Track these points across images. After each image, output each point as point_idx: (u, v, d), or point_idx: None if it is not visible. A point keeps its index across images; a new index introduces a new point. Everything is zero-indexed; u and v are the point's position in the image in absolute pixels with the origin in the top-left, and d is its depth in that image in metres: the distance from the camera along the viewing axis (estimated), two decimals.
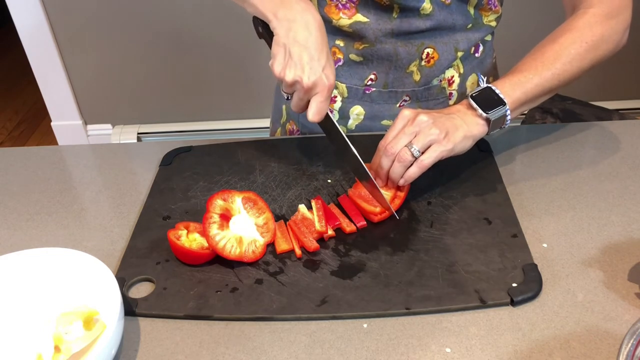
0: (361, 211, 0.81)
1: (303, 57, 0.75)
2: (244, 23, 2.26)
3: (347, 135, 0.82)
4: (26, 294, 0.70)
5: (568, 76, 0.83)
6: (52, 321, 0.66)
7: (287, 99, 0.81)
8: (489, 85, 0.82)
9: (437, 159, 0.78)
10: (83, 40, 2.32)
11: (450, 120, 0.79)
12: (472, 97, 0.81)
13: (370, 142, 0.97)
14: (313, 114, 0.77)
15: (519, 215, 0.80)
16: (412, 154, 0.77)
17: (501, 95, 0.80)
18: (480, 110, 0.80)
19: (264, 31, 0.81)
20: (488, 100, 0.81)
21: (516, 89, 0.81)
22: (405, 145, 0.78)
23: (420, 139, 0.77)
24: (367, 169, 0.81)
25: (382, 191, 0.81)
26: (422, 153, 0.78)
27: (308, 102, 0.78)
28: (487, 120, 0.80)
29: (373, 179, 0.80)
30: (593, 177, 0.87)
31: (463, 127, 0.79)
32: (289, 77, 0.76)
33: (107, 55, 2.35)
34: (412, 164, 0.78)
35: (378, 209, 0.80)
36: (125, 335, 0.67)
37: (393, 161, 0.79)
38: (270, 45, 0.79)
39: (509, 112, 0.81)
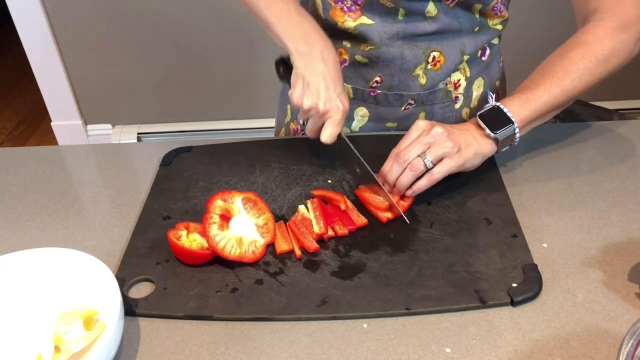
0: (370, 210, 0.81)
1: (320, 86, 0.82)
2: (244, 23, 2.27)
3: (350, 137, 0.84)
4: (26, 294, 0.70)
5: (577, 91, 0.83)
6: (52, 321, 0.66)
7: (303, 124, 0.87)
8: (498, 104, 0.82)
9: (447, 173, 0.79)
10: (83, 40, 2.32)
11: (463, 136, 0.80)
12: (480, 116, 0.82)
13: (373, 142, 0.97)
14: (327, 136, 0.83)
15: (519, 215, 0.80)
16: (425, 165, 0.78)
17: (509, 115, 0.81)
18: (487, 130, 0.81)
19: (284, 72, 0.89)
20: (496, 120, 0.81)
21: (525, 107, 0.81)
22: (419, 155, 0.78)
23: (434, 151, 0.78)
24: (380, 183, 0.82)
25: (378, 199, 0.81)
26: (434, 165, 0.78)
27: (321, 126, 0.84)
28: (496, 139, 0.81)
29: (388, 194, 0.81)
30: (593, 177, 0.87)
31: (474, 145, 0.80)
32: (307, 104, 0.82)
33: (107, 55, 2.35)
34: (422, 175, 0.79)
35: (385, 205, 0.80)
36: (125, 335, 0.67)
37: (404, 169, 0.79)
38: (290, 84, 0.86)
39: (517, 131, 0.81)
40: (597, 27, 0.84)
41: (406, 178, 0.79)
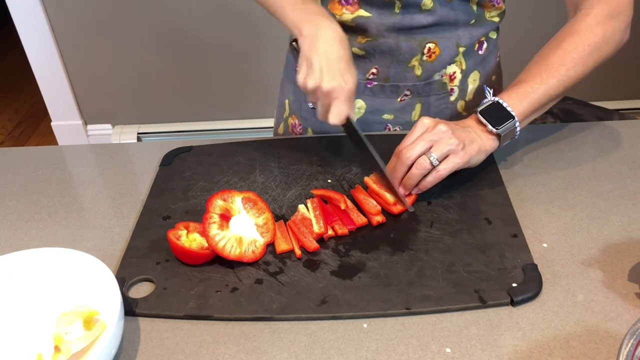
0: (380, 203, 0.81)
1: (323, 65, 0.80)
2: (244, 23, 2.27)
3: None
4: (26, 294, 0.70)
5: (573, 81, 0.83)
6: (52, 321, 0.66)
7: (313, 108, 0.86)
8: (497, 99, 0.82)
9: (453, 170, 0.79)
10: (83, 40, 2.32)
11: (466, 133, 0.80)
12: (480, 112, 0.82)
13: (374, 141, 0.97)
14: (333, 116, 0.81)
15: (519, 215, 0.80)
16: (431, 162, 0.78)
17: (509, 109, 0.81)
18: (490, 126, 0.81)
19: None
20: (497, 115, 0.81)
21: (523, 100, 0.82)
22: (424, 153, 0.78)
23: (439, 148, 0.78)
24: (388, 176, 0.82)
25: (387, 195, 0.81)
26: (439, 163, 0.78)
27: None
28: (498, 135, 0.81)
29: (395, 187, 0.81)
30: (593, 177, 0.87)
31: (478, 141, 0.80)
32: (310, 84, 0.81)
33: (107, 55, 2.35)
34: (428, 173, 0.79)
35: (393, 199, 0.81)
36: (125, 335, 0.67)
37: (409, 167, 0.79)
38: None
39: (518, 125, 0.81)
40: (589, 15, 0.84)
41: (413, 177, 0.79)
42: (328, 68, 0.80)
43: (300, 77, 0.82)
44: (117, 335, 0.61)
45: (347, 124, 0.83)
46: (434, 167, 0.78)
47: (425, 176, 0.79)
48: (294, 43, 0.90)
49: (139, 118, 2.51)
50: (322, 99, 0.82)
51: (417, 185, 0.80)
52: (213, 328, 0.68)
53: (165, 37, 2.31)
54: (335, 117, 0.81)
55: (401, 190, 0.81)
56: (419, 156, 0.78)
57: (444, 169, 0.79)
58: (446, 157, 0.78)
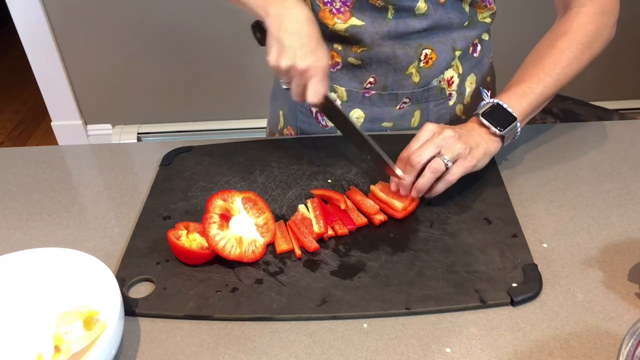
0: (384, 208, 0.81)
1: (294, 43, 0.79)
2: (243, 23, 2.27)
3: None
4: (26, 294, 0.70)
5: (568, 79, 0.85)
6: (52, 321, 0.66)
7: (287, 89, 0.84)
8: (497, 100, 0.82)
9: (462, 174, 0.79)
10: (83, 40, 2.32)
11: (471, 137, 0.80)
12: (482, 115, 0.82)
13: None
14: (311, 95, 0.80)
15: (519, 215, 0.80)
16: (446, 165, 0.77)
17: (510, 110, 0.82)
18: (494, 129, 0.81)
19: (262, 36, 0.85)
20: (498, 117, 0.82)
21: (522, 100, 0.83)
22: (436, 156, 0.77)
23: (449, 152, 0.77)
24: (385, 156, 0.81)
25: (396, 201, 0.80)
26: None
27: (305, 87, 0.81)
28: (501, 136, 0.81)
29: (392, 167, 0.80)
30: (593, 177, 0.87)
31: (483, 144, 0.80)
32: (284, 64, 0.79)
33: (107, 55, 2.35)
34: (440, 177, 0.78)
35: (401, 205, 0.79)
36: (125, 335, 0.67)
37: (419, 171, 0.78)
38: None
39: (519, 125, 0.82)
40: (580, 14, 0.86)
41: (428, 180, 0.78)
42: (300, 46, 0.79)
43: (272, 58, 0.80)
44: (117, 335, 0.61)
45: (327, 104, 0.82)
46: (447, 169, 0.77)
47: (436, 180, 0.79)
48: (256, 30, 0.87)
49: (139, 118, 2.51)
50: (298, 79, 0.80)
51: (428, 190, 0.79)
52: (213, 328, 0.68)
53: (165, 37, 2.31)
54: (314, 95, 0.80)
55: (413, 193, 0.80)
56: (429, 160, 0.78)
57: (454, 174, 0.78)
58: (455, 161, 0.78)
